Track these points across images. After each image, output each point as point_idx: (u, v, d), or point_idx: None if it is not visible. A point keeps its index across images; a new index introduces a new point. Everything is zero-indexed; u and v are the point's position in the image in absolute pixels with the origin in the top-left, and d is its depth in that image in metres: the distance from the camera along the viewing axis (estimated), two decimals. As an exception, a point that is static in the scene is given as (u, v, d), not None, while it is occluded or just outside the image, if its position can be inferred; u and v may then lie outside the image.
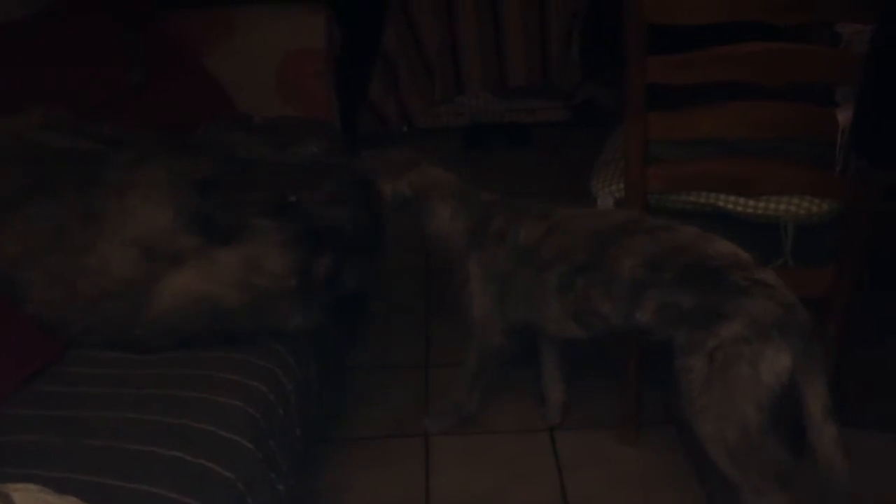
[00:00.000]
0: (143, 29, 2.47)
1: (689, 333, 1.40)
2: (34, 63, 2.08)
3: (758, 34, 1.51)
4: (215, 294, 1.49)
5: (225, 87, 2.56)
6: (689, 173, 1.69)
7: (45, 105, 1.78)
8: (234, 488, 1.25)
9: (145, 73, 2.39)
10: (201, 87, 2.54)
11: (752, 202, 1.72)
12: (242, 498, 1.25)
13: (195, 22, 2.65)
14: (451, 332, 2.31)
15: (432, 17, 3.48)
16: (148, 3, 2.67)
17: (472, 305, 1.76)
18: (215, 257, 1.51)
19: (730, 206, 1.73)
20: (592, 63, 3.54)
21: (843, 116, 1.49)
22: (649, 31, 1.53)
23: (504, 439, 1.96)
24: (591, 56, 3.53)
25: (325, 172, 1.77)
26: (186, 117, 2.30)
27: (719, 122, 1.60)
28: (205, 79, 2.57)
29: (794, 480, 1.44)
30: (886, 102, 1.28)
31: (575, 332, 1.64)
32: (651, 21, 1.51)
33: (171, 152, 1.68)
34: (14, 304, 1.48)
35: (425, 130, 3.71)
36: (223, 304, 1.49)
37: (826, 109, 1.54)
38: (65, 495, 1.02)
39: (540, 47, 3.55)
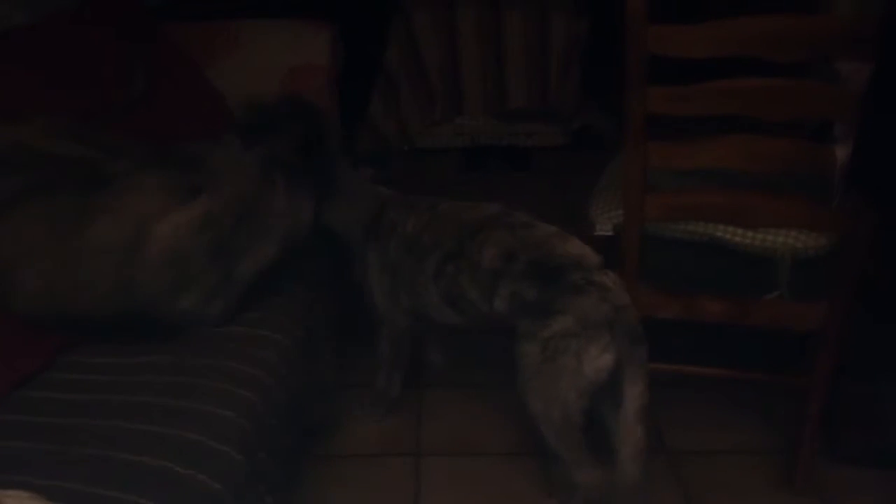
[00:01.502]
0: (146, 40, 2.49)
1: (528, 323, 1.56)
2: (35, 70, 2.08)
3: (758, 69, 1.53)
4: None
5: (228, 100, 2.56)
6: (687, 203, 1.70)
7: (45, 113, 1.79)
8: (222, 500, 1.24)
9: (146, 85, 2.40)
10: (202, 99, 2.55)
11: (749, 234, 1.73)
12: (231, 513, 1.25)
13: (199, 35, 2.66)
14: (444, 353, 2.32)
15: (434, 38, 3.51)
16: (150, 14, 2.69)
17: (374, 294, 1.89)
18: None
19: (727, 237, 1.74)
20: (593, 87, 3.57)
21: (842, 152, 1.50)
22: (650, 60, 1.55)
23: (496, 461, 1.95)
24: (591, 81, 3.56)
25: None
26: (186, 129, 2.31)
27: (718, 153, 1.61)
28: (206, 91, 2.57)
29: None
30: (884, 140, 1.29)
31: (453, 318, 1.77)
32: (653, 52, 1.53)
33: (165, 163, 1.69)
34: (5, 304, 1.49)
35: (425, 150, 3.72)
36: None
37: (824, 146, 1.56)
38: (56, 503, 1.01)
39: (541, 71, 3.57)
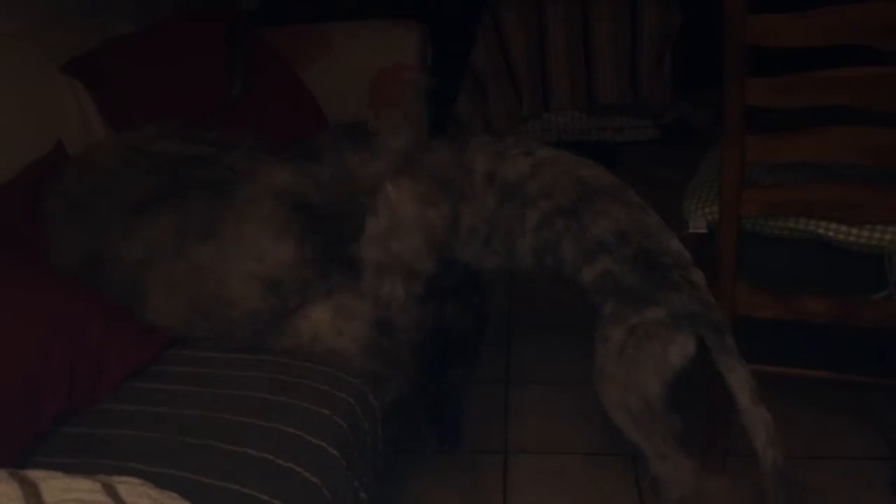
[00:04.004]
0: (243, 44, 2.57)
1: (618, 306, 1.53)
2: (144, 76, 2.18)
3: (866, 60, 1.46)
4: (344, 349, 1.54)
5: (320, 100, 2.62)
6: (787, 198, 1.64)
7: (154, 119, 1.87)
8: (319, 493, 1.27)
9: (244, 88, 2.49)
10: (296, 100, 2.62)
11: (853, 230, 1.66)
12: (327, 503, 1.28)
13: (292, 38, 2.73)
14: (532, 350, 2.32)
15: (522, 34, 3.50)
16: (246, 19, 2.78)
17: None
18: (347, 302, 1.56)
19: (830, 234, 1.67)
20: (685, 80, 3.49)
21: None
22: (750, 52, 1.50)
23: (584, 461, 1.94)
24: (684, 73, 3.48)
25: None
26: (282, 129, 2.38)
27: (821, 146, 1.55)
28: (299, 93, 2.64)
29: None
30: None
31: (527, 264, 1.68)
32: (753, 43, 1.49)
33: (276, 157, 1.73)
34: (135, 307, 1.54)
35: (511, 147, 3.71)
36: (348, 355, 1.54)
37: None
38: (165, 490, 1.05)
39: (631, 66, 3.51)
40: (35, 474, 1.01)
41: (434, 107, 2.92)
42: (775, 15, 1.47)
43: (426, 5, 3.15)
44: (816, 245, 1.71)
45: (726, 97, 1.55)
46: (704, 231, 1.82)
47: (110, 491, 1.01)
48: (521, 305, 2.57)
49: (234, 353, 1.52)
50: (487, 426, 2.06)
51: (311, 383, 1.45)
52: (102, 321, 1.46)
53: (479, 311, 1.64)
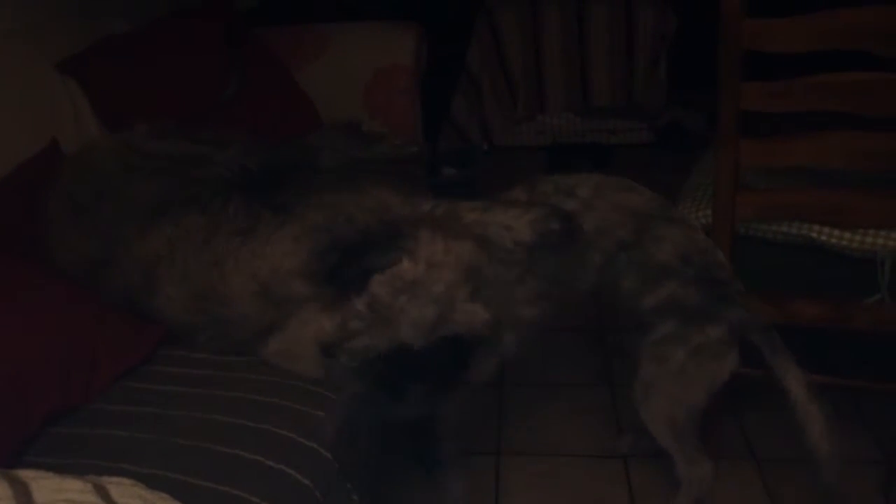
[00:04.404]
0: (240, 44, 2.56)
1: (680, 327, 1.53)
2: (139, 74, 2.18)
3: (857, 64, 1.47)
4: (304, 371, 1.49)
5: (315, 100, 2.62)
6: (781, 202, 1.64)
7: (148, 118, 1.87)
8: (311, 495, 1.26)
9: (240, 86, 2.48)
10: (291, 100, 2.62)
11: (847, 234, 1.66)
12: (320, 505, 1.27)
13: (289, 38, 2.73)
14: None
15: (518, 35, 3.50)
16: (243, 19, 2.77)
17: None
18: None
19: (823, 238, 1.68)
20: (680, 83, 3.50)
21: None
22: (744, 55, 1.50)
23: (577, 463, 1.94)
24: (679, 76, 3.49)
25: None
26: (275, 129, 2.38)
27: (816, 150, 1.56)
28: (295, 93, 2.64)
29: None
30: None
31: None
32: (748, 46, 1.49)
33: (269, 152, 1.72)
34: (148, 297, 1.55)
35: (507, 149, 3.72)
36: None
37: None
38: (156, 491, 1.05)
39: (626, 68, 3.52)
40: (26, 474, 1.01)
41: (429, 108, 2.93)
42: (771, 19, 1.47)
43: (422, 7, 3.15)
44: (811, 249, 1.71)
45: (721, 101, 1.55)
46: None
47: (101, 491, 1.00)
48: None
49: (227, 356, 1.52)
50: (481, 427, 2.06)
51: (304, 385, 1.45)
52: (95, 321, 1.46)
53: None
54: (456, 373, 1.42)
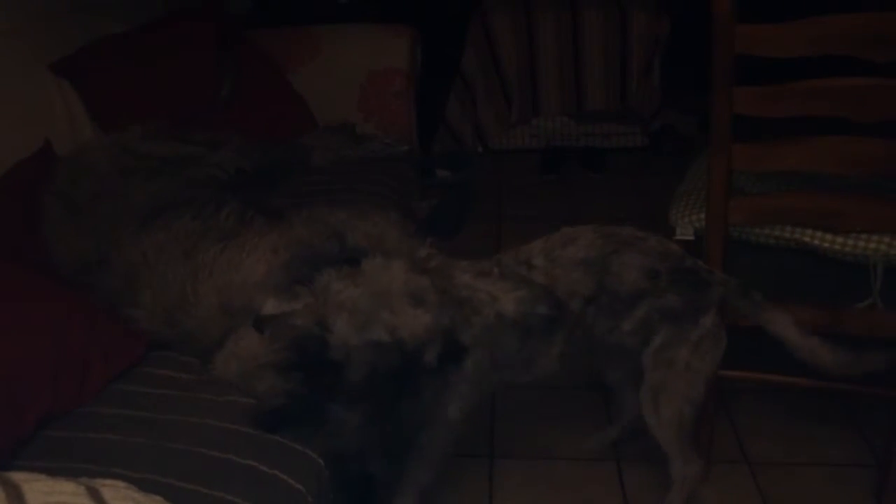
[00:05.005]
0: (233, 46, 2.56)
1: (674, 329, 1.53)
2: (131, 76, 2.17)
3: (853, 70, 1.47)
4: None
5: (309, 102, 2.62)
6: (774, 206, 1.65)
7: (142, 119, 1.87)
8: (304, 500, 1.26)
9: (234, 88, 2.48)
10: (285, 102, 2.62)
11: (839, 239, 1.67)
12: (312, 511, 1.27)
13: (283, 40, 2.73)
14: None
15: (512, 40, 3.51)
16: (237, 21, 2.77)
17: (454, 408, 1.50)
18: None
19: (815, 242, 1.68)
20: (673, 88, 3.51)
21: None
22: (736, 61, 1.51)
23: (570, 466, 1.94)
24: (672, 81, 3.50)
25: None
26: (269, 131, 2.38)
27: (808, 155, 1.56)
28: (289, 94, 2.64)
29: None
30: None
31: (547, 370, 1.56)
32: (741, 51, 1.49)
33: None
34: (128, 304, 1.55)
35: (501, 152, 3.72)
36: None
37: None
38: (150, 495, 1.05)
39: (620, 72, 3.53)
40: (18, 476, 1.00)
41: (424, 111, 2.93)
42: (762, 24, 1.48)
43: (417, 10, 3.15)
44: (803, 253, 1.72)
45: (713, 105, 1.55)
46: (692, 238, 1.83)
47: (94, 494, 1.00)
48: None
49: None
50: (473, 430, 2.05)
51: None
52: (87, 324, 1.45)
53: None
54: (391, 383, 1.31)
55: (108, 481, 1.06)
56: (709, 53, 1.53)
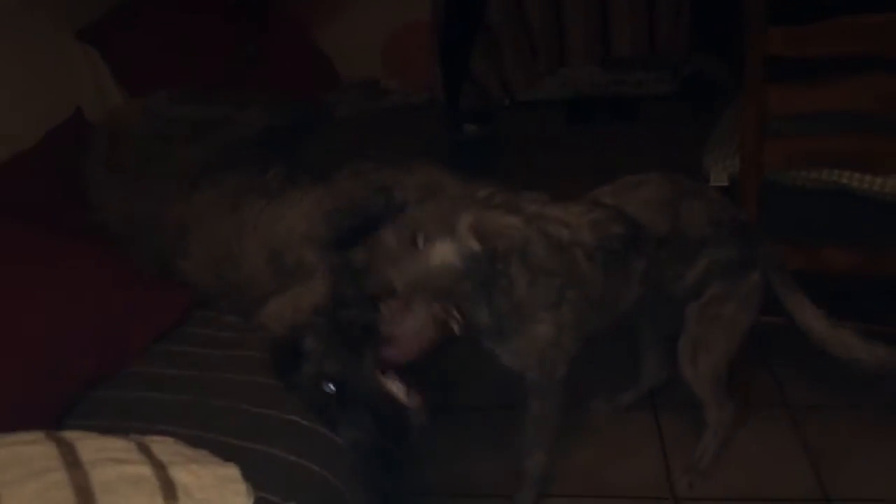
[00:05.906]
0: (257, 6, 2.55)
1: (725, 283, 1.53)
2: (158, 39, 2.18)
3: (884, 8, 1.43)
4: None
5: (333, 59, 2.61)
6: (811, 149, 1.61)
7: (168, 82, 1.88)
8: (346, 453, 1.29)
9: (256, 49, 2.48)
10: (309, 60, 2.61)
11: (878, 180, 1.63)
12: (354, 464, 1.30)
13: (306, -2, 2.71)
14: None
15: (537, -12, 3.44)
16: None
17: (555, 371, 1.52)
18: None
19: (854, 184, 1.65)
20: (704, 31, 3.42)
21: None
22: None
23: (608, 417, 1.94)
24: (702, 24, 3.41)
25: None
26: (294, 88, 2.38)
27: (847, 95, 1.52)
28: (313, 52, 2.63)
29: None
30: None
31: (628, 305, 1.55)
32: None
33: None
34: (178, 258, 1.59)
35: (528, 104, 3.67)
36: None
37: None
38: (198, 449, 1.08)
39: (648, 18, 3.44)
40: (71, 435, 1.04)
41: (449, 64, 2.90)
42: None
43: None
44: (841, 196, 1.69)
45: (747, 46, 1.52)
46: (726, 184, 1.80)
47: (144, 449, 1.03)
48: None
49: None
50: (509, 383, 2.06)
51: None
52: (128, 285, 1.48)
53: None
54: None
55: (157, 437, 1.10)
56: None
